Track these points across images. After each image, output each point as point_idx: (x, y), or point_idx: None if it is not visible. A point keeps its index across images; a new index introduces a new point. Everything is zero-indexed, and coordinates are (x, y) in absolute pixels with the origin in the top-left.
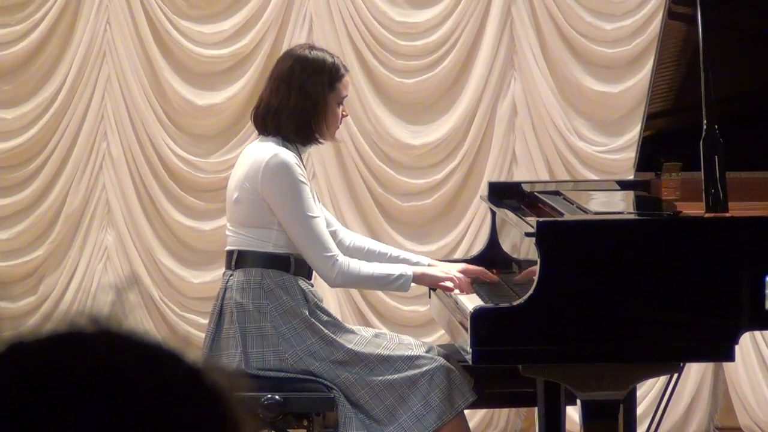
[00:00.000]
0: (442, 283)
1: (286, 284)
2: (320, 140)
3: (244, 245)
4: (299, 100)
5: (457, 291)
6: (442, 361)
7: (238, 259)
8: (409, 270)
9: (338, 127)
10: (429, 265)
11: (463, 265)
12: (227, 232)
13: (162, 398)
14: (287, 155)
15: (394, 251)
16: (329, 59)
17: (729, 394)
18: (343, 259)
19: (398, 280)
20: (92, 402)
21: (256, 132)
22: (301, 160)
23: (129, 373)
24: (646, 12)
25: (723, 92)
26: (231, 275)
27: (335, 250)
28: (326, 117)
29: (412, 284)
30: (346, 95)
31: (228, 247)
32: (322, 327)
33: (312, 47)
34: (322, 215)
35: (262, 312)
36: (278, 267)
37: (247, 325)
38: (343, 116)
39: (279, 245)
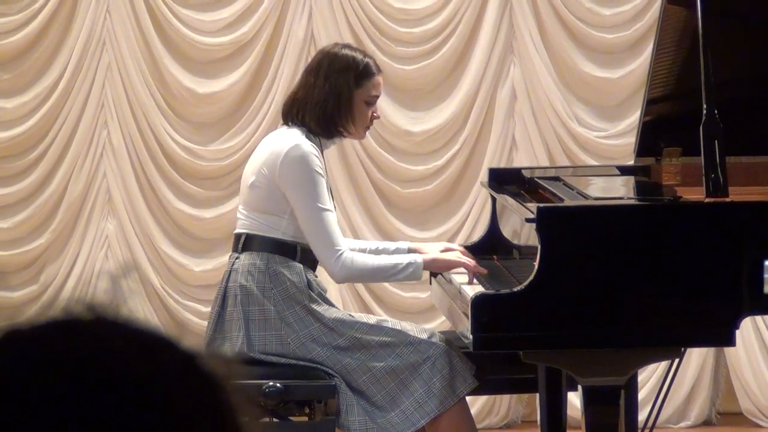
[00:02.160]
0: (458, 265)
1: (291, 271)
2: (345, 135)
3: (254, 229)
4: (323, 92)
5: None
6: (443, 347)
7: (245, 243)
8: (418, 257)
9: (368, 127)
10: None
11: (458, 251)
12: (238, 215)
13: (157, 385)
14: (308, 146)
15: (382, 244)
16: (359, 57)
17: (730, 379)
18: (349, 254)
19: (408, 268)
20: (88, 389)
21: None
22: (322, 153)
23: (125, 360)
24: None
25: (723, 77)
26: (237, 258)
27: (342, 246)
28: (351, 113)
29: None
30: (377, 95)
31: (237, 230)
32: (323, 313)
33: (346, 46)
34: (334, 209)
35: (266, 296)
36: (284, 254)
37: (250, 308)
38: (374, 117)
39: (288, 234)
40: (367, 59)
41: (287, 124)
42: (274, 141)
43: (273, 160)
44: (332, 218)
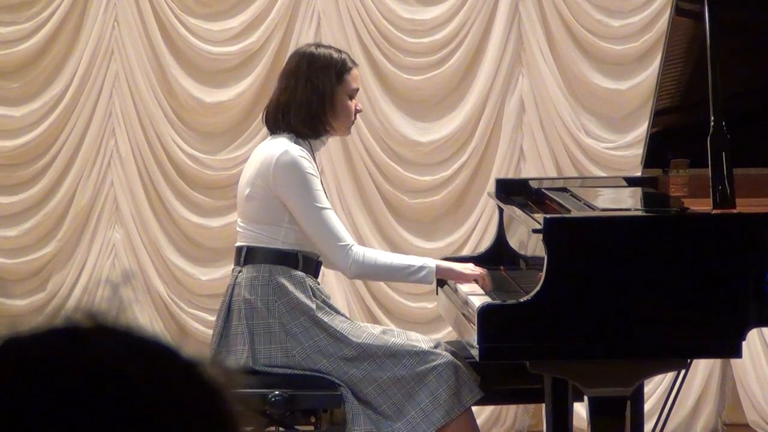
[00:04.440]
0: (468, 278)
1: (294, 280)
2: (332, 132)
3: (254, 241)
4: (306, 92)
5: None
6: (449, 357)
7: (247, 255)
8: (431, 262)
9: (353, 121)
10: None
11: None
12: (238, 228)
13: (157, 393)
14: (297, 151)
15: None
16: (336, 54)
17: (737, 390)
18: (358, 249)
19: (420, 271)
20: (88, 396)
21: (265, 129)
22: (314, 156)
23: (125, 368)
24: (654, 9)
25: (730, 89)
26: (240, 271)
27: (349, 240)
28: (335, 110)
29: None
30: (357, 88)
31: (237, 243)
32: (329, 323)
33: (319, 45)
34: (332, 207)
35: (270, 309)
36: (286, 263)
37: (254, 321)
38: (357, 110)
39: (287, 242)
40: (343, 55)
41: (274, 132)
42: (264, 151)
43: (265, 170)
44: (333, 215)
